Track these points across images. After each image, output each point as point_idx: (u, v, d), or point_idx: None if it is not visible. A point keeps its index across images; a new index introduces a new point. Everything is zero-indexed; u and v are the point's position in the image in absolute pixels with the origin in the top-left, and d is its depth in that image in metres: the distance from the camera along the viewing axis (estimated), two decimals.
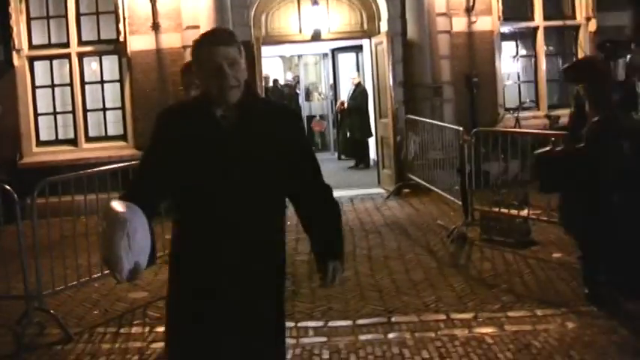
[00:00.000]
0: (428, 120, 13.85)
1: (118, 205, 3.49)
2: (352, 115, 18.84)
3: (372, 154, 18.16)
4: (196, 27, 13.59)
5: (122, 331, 7.40)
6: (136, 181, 3.95)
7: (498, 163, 12.00)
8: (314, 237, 4.08)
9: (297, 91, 22.78)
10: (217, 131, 3.69)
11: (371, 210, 13.05)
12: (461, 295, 7.94)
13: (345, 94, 19.92)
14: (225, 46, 3.66)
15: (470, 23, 15.25)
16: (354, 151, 19.59)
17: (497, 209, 10.38)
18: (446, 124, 13.21)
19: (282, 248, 3.97)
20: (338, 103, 20.37)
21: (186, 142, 3.68)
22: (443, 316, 7.33)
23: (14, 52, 14.28)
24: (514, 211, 10.24)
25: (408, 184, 14.29)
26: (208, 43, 3.69)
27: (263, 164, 3.71)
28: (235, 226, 3.66)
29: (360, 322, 7.33)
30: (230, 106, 3.70)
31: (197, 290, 3.71)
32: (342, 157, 20.38)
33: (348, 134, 19.51)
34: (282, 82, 23.27)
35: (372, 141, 17.97)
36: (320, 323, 7.35)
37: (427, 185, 13.43)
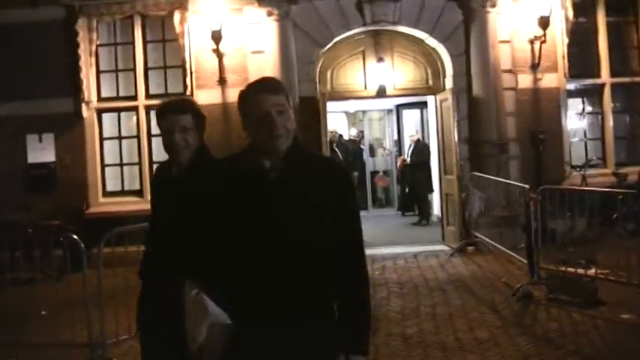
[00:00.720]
0: (493, 177, 13.76)
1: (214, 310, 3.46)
2: (413, 171, 18.81)
3: (435, 210, 18.08)
4: None
5: None
6: (191, 248, 3.74)
7: (565, 221, 11.84)
8: (343, 322, 3.70)
9: (362, 146, 22.81)
10: (265, 183, 3.57)
11: (435, 267, 12.93)
12: (526, 355, 7.79)
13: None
14: (274, 94, 3.58)
15: (535, 80, 15.19)
16: (415, 206, 19.58)
17: (563, 268, 10.22)
18: (511, 182, 13.11)
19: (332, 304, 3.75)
20: (399, 160, 20.37)
21: (234, 197, 3.59)
22: None
23: (83, 104, 14.62)
24: (581, 270, 10.07)
25: (473, 241, 14.16)
26: (256, 92, 3.62)
27: (311, 217, 3.57)
28: (285, 283, 3.50)
29: None
30: (279, 157, 3.58)
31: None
32: (405, 213, 20.30)
33: (407, 190, 19.48)
34: (346, 137, 23.32)
35: (435, 197, 17.90)
36: None
37: (492, 243, 13.29)
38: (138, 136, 15.09)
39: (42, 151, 14.84)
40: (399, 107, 21.59)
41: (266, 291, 3.49)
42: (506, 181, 13.33)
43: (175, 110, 4.31)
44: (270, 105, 3.54)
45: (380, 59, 15.38)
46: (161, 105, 4.58)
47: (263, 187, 3.57)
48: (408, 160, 19.13)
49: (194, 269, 3.65)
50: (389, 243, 15.01)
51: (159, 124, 4.43)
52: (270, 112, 3.52)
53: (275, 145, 3.56)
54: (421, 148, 18.63)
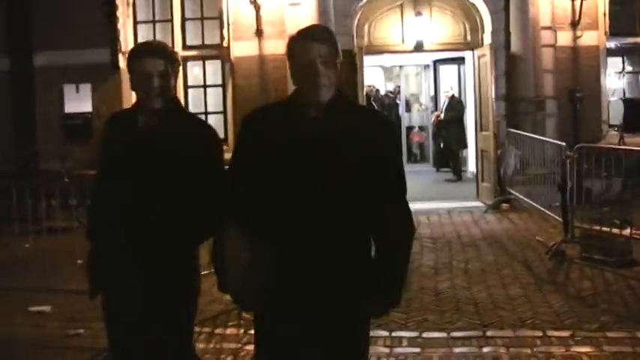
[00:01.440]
0: (529, 134, 13.68)
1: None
2: (447, 127, 18.76)
3: (469, 167, 18.03)
4: None
5: (217, 331, 7.47)
6: (235, 191, 3.75)
7: (601, 180, 11.75)
8: (378, 267, 3.72)
9: (398, 101, 22.72)
10: (309, 132, 3.59)
11: (469, 223, 12.92)
12: (558, 313, 7.78)
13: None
14: (320, 43, 3.56)
15: (575, 38, 15.03)
16: (449, 162, 19.59)
17: (598, 227, 10.15)
18: (548, 139, 13.03)
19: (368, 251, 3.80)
20: (433, 116, 20.29)
21: (277, 143, 3.60)
22: (539, 333, 7.20)
23: (120, 55, 14.64)
24: (616, 230, 9.99)
25: (507, 198, 14.12)
26: (303, 39, 3.59)
27: (351, 167, 3.56)
28: (320, 229, 3.55)
29: (455, 334, 7.24)
30: (321, 107, 3.59)
31: (283, 300, 3.61)
32: (440, 169, 20.27)
33: (442, 145, 19.45)
34: (382, 92, 23.23)
35: (470, 153, 17.83)
36: (414, 334, 7.29)
37: (527, 200, 13.26)
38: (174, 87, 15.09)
39: (79, 101, 14.95)
40: (436, 62, 21.42)
41: (304, 237, 3.53)
42: (543, 138, 13.27)
43: (155, 53, 4.10)
44: (315, 54, 3.53)
45: (418, 13, 15.28)
46: (138, 46, 4.34)
47: (305, 135, 3.57)
48: (442, 115, 19.07)
49: (236, 209, 3.69)
50: (423, 198, 14.97)
51: (133, 66, 4.12)
52: (314, 61, 3.52)
53: (317, 95, 3.56)
54: (455, 104, 18.60)
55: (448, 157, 19.57)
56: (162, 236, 3.98)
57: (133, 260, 4.00)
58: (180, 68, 12.87)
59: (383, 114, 4.05)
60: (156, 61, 4.07)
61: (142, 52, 4.13)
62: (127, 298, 4.10)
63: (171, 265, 4.04)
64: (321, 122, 3.59)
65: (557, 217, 11.19)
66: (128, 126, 4.17)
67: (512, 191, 14.00)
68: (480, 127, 15.29)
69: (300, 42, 3.59)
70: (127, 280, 4.05)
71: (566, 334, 7.13)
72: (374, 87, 21.52)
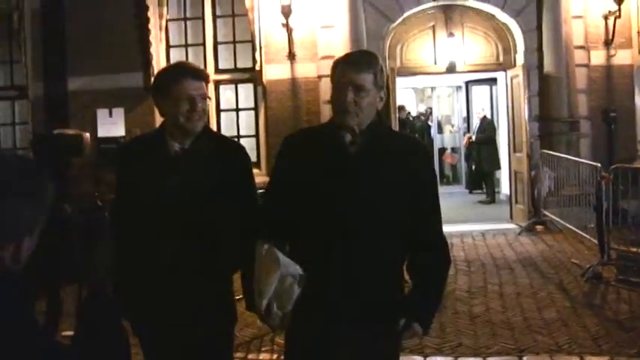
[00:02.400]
0: (563, 155, 13.57)
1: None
2: (479, 148, 18.67)
3: (503, 188, 17.90)
4: (332, 57, 13.64)
5: (250, 357, 7.45)
6: (271, 212, 3.81)
7: (637, 200, 11.62)
8: (412, 291, 3.79)
9: (430, 123, 22.67)
10: (344, 157, 3.62)
11: (503, 245, 12.81)
12: (595, 337, 7.67)
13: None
14: (355, 70, 3.57)
15: (609, 56, 14.89)
16: (481, 184, 19.53)
17: (635, 249, 10.03)
18: (582, 160, 12.92)
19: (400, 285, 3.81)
20: (465, 138, 20.21)
21: (313, 167, 3.62)
22: (576, 358, 7.11)
23: (152, 79, 14.65)
24: None
25: (542, 220, 13.99)
26: (340, 63, 3.67)
27: (386, 192, 3.59)
28: (355, 253, 3.55)
29: (491, 359, 7.18)
30: (355, 132, 3.61)
31: (315, 325, 3.61)
32: (473, 190, 20.15)
33: (474, 167, 19.35)
34: (414, 113, 23.18)
35: (503, 175, 17.71)
36: (449, 359, 7.23)
37: (561, 222, 13.14)
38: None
39: (112, 125, 15.00)
40: (469, 83, 21.38)
41: (338, 259, 3.55)
42: (577, 159, 13.15)
43: (198, 76, 4.03)
44: (347, 79, 3.56)
45: (450, 34, 15.23)
46: (176, 68, 4.19)
47: (341, 160, 3.61)
48: (474, 137, 19.00)
49: (270, 230, 3.70)
50: (456, 220, 14.91)
51: (171, 87, 4.01)
52: (344, 86, 3.56)
53: (344, 120, 3.59)
54: (486, 126, 18.52)
55: (481, 179, 19.51)
56: (199, 265, 3.93)
57: (169, 292, 3.94)
58: (213, 91, 12.93)
59: (418, 140, 4.04)
60: (197, 84, 4.03)
61: (182, 74, 4.05)
62: (165, 334, 4.04)
63: (209, 295, 3.99)
64: (355, 147, 3.62)
65: (592, 239, 11.07)
66: (158, 151, 4.10)
67: (547, 213, 13.87)
68: (513, 148, 15.18)
69: (339, 67, 3.65)
70: (163, 315, 3.98)
71: (603, 359, 7.03)
72: (405, 108, 21.46)
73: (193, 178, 3.98)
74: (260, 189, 4.17)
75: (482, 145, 18.55)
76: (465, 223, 14.84)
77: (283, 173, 3.80)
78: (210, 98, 4.15)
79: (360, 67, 3.58)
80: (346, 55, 3.81)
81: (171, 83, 4.03)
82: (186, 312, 3.95)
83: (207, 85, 4.13)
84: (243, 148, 4.35)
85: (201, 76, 4.07)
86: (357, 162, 3.60)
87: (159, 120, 13.96)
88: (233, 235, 3.96)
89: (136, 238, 4.05)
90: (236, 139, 14.85)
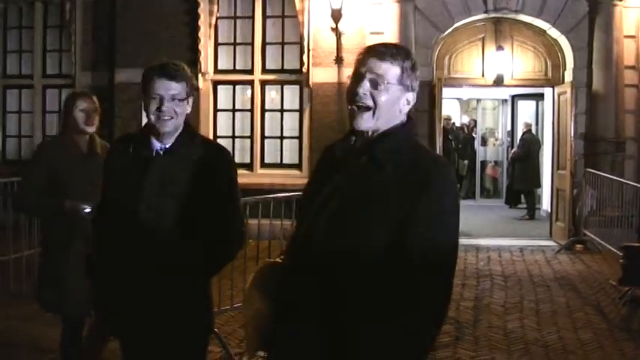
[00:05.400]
0: (608, 175, 13.43)
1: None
2: (521, 163, 18.53)
3: (543, 205, 17.75)
4: None
5: None
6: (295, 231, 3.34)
7: None
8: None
9: (474, 135, 22.55)
10: (338, 165, 3.03)
11: (541, 262, 12.67)
12: None
13: None
14: (378, 59, 2.97)
15: None
16: (518, 200, 19.54)
17: None
18: (626, 181, 12.78)
19: None
20: (512, 152, 20.09)
21: (325, 176, 3.12)
22: None
23: (200, 75, 14.73)
24: None
25: (582, 239, 13.84)
26: (365, 53, 3.04)
27: (370, 216, 2.87)
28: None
29: None
30: (364, 138, 3.01)
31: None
32: (512, 205, 19.99)
33: (514, 181, 19.18)
34: (457, 124, 23.07)
35: (544, 191, 17.57)
36: None
37: (602, 242, 12.99)
38: (252, 111, 15.23)
39: None
40: (515, 97, 21.26)
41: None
42: (622, 180, 13.00)
43: (171, 77, 3.96)
44: (365, 67, 2.98)
45: (499, 47, 15.14)
46: (157, 67, 4.04)
47: (335, 167, 3.04)
48: (515, 151, 18.91)
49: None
50: (495, 234, 14.84)
51: (149, 87, 3.94)
52: (361, 76, 2.98)
53: (354, 118, 2.98)
54: (525, 141, 18.40)
55: (516, 195, 19.39)
56: (172, 266, 3.88)
57: (141, 294, 3.91)
58: (259, 91, 12.95)
59: (439, 158, 2.75)
60: (170, 84, 3.96)
61: (156, 73, 3.98)
62: (136, 333, 4.03)
63: (182, 300, 3.94)
64: (355, 155, 3.02)
65: None
66: (141, 149, 4.07)
67: (587, 232, 13.73)
68: (556, 165, 15.03)
69: (362, 56, 3.03)
70: (135, 316, 3.96)
71: None
72: (450, 119, 21.38)
73: (170, 178, 3.94)
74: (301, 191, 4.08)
75: (524, 160, 18.41)
76: (504, 237, 14.74)
77: (309, 186, 3.25)
78: (185, 100, 4.00)
79: (383, 56, 2.96)
80: (373, 45, 3.10)
81: (146, 81, 3.98)
82: (154, 312, 3.91)
83: (188, 86, 4.04)
84: (225, 151, 4.24)
85: (174, 76, 3.97)
86: (344, 170, 3.00)
87: (204, 115, 14.05)
88: (209, 238, 3.92)
89: (113, 237, 4.02)
90: (279, 140, 14.99)
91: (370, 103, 2.93)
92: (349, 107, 3.02)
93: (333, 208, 2.93)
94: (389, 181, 2.87)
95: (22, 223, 10.22)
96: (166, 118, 3.94)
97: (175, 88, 3.96)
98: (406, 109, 3.04)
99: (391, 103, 2.96)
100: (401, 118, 3.04)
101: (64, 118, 5.93)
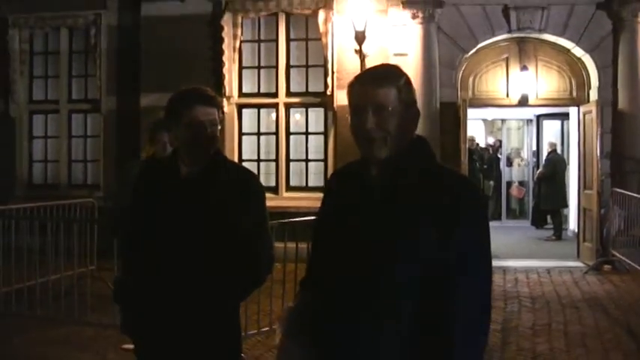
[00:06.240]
0: (635, 194, 13.30)
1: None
2: (547, 183, 18.44)
3: (570, 225, 17.63)
4: None
5: None
6: (314, 259, 3.27)
7: None
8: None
9: (499, 155, 22.47)
10: (365, 199, 2.93)
11: (569, 283, 12.54)
12: None
13: None
14: (374, 87, 2.90)
15: None
16: (544, 221, 19.41)
17: None
18: None
19: None
20: (537, 171, 19.98)
21: (335, 208, 3.11)
22: None
23: (224, 99, 14.77)
24: None
25: (610, 259, 13.70)
26: (356, 83, 2.98)
27: (401, 245, 2.79)
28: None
29: None
30: (379, 165, 2.93)
31: None
32: (539, 226, 19.86)
33: (540, 201, 19.07)
34: (482, 145, 23.00)
35: (571, 211, 17.45)
36: None
37: (630, 263, 12.85)
38: (277, 134, 15.25)
39: None
40: (540, 117, 21.19)
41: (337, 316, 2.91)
42: None
43: (209, 102, 3.98)
44: (364, 99, 2.91)
45: (524, 67, 15.10)
46: (186, 93, 4.07)
47: (358, 198, 2.95)
48: (538, 172, 18.83)
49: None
50: (521, 256, 14.74)
51: (185, 112, 3.94)
52: (363, 109, 2.90)
53: (367, 153, 2.93)
54: (551, 161, 18.31)
55: (542, 215, 19.27)
56: (201, 293, 3.85)
57: (169, 319, 3.89)
58: (283, 114, 13.00)
59: (473, 184, 2.61)
60: (207, 109, 3.97)
61: (193, 99, 3.99)
62: (164, 358, 4.00)
63: (210, 325, 3.91)
64: (382, 185, 2.92)
65: None
66: (169, 175, 4.06)
67: (615, 252, 13.59)
68: (583, 184, 14.92)
69: (354, 86, 2.98)
70: (163, 341, 3.94)
71: None
72: (474, 140, 21.31)
73: (199, 204, 3.92)
74: None
75: (543, 182, 18.36)
76: (530, 258, 14.63)
77: (318, 216, 3.26)
78: (218, 125, 4.01)
79: (379, 82, 2.90)
80: (361, 73, 3.09)
81: (181, 108, 3.98)
82: (182, 337, 3.90)
83: (219, 111, 4.05)
84: (255, 176, 4.23)
85: (211, 101, 4.00)
86: (372, 202, 2.90)
87: (228, 139, 14.05)
88: (238, 263, 3.88)
89: (142, 261, 4.03)
90: (304, 163, 14.99)
91: (380, 134, 2.87)
92: (359, 141, 2.95)
93: (360, 244, 2.86)
94: (416, 212, 2.79)
95: (48, 247, 10.27)
96: (205, 143, 3.95)
97: (211, 113, 3.98)
98: (416, 122, 2.99)
99: (400, 125, 2.90)
100: (413, 133, 3.00)
101: None
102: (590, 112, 14.41)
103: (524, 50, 15.31)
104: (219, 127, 4.07)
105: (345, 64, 14.65)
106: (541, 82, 15.33)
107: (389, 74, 2.96)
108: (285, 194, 14.99)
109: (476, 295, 2.79)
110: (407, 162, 2.90)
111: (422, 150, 2.99)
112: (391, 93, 2.88)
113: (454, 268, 2.74)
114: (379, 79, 2.91)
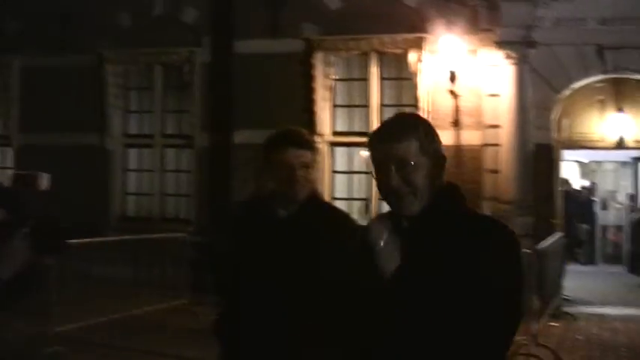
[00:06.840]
0: None
1: None
2: (637, 229, 17.99)
3: None
4: (497, 126, 13.60)
5: None
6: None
7: None
8: None
9: (594, 198, 22.02)
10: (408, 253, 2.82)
11: None
12: None
13: None
14: (393, 142, 2.82)
15: None
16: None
17: None
18: None
19: None
20: (634, 215, 19.51)
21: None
22: None
23: (316, 137, 14.79)
24: None
25: None
26: (375, 139, 2.92)
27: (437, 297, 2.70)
28: None
29: None
30: (411, 219, 2.84)
31: None
32: (637, 272, 19.31)
33: (630, 248, 18.58)
34: (577, 187, 22.58)
35: None
36: None
37: None
38: (370, 172, 15.17)
39: None
40: (636, 160, 20.71)
41: None
42: None
43: (301, 144, 3.93)
44: (385, 156, 2.83)
45: (620, 109, 14.77)
46: (285, 135, 4.01)
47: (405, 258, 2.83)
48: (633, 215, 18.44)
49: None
50: (618, 303, 14.29)
51: (279, 155, 3.91)
52: (385, 166, 2.83)
53: (398, 209, 2.85)
54: None
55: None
56: (286, 344, 3.75)
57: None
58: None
59: (505, 228, 2.62)
60: (299, 152, 3.92)
61: (285, 141, 3.95)
62: None
63: None
64: (414, 231, 2.83)
65: None
66: (263, 218, 4.01)
67: None
68: None
69: (373, 142, 2.93)
70: None
71: None
72: (568, 182, 20.93)
73: (295, 247, 3.83)
74: None
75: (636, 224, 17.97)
76: (628, 306, 14.13)
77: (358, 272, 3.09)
78: (311, 167, 3.93)
79: (397, 137, 2.81)
80: (378, 127, 2.99)
81: (272, 150, 3.94)
82: None
83: (313, 153, 3.99)
84: (351, 218, 4.18)
85: (303, 144, 3.94)
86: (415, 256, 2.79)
87: (320, 177, 14.06)
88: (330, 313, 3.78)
89: (241, 300, 3.98)
90: None
91: (408, 189, 2.78)
92: (386, 198, 2.86)
93: (409, 302, 2.72)
94: (453, 259, 2.68)
95: (140, 279, 10.40)
96: (297, 186, 3.90)
97: (305, 155, 3.93)
98: (443, 168, 2.89)
99: (426, 176, 2.81)
100: (442, 180, 2.89)
101: None
102: None
103: (620, 91, 14.98)
104: (313, 169, 4.01)
105: (438, 104, 14.56)
106: (638, 123, 14.99)
107: (406, 126, 2.87)
108: None
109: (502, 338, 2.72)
110: (437, 213, 2.81)
111: (452, 197, 2.90)
112: (412, 146, 2.80)
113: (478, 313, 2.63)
114: (397, 134, 2.82)
